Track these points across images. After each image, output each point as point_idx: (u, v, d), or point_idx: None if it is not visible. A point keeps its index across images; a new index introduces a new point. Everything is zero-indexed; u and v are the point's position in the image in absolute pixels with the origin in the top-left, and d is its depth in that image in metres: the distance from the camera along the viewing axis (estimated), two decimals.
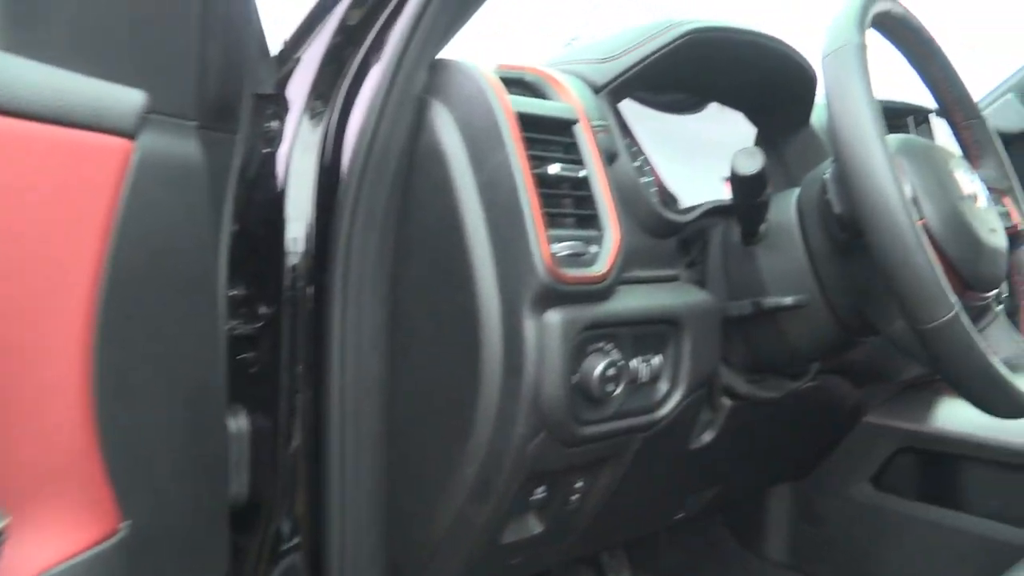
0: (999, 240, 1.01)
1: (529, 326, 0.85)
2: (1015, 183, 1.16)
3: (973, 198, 0.99)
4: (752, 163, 0.94)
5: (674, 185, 1.12)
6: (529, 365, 0.85)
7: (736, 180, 0.96)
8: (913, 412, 1.41)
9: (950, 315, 0.84)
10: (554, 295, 0.86)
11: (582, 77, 1.03)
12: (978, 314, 1.02)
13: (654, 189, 1.09)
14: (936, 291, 0.84)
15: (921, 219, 0.93)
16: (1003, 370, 0.90)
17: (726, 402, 1.09)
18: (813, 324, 1.02)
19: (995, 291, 1.02)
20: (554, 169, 0.90)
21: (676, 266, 1.05)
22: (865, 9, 0.96)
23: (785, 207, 1.04)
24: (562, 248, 0.87)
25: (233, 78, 0.82)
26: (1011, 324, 1.07)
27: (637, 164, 1.07)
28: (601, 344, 0.90)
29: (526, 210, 0.85)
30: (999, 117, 1.85)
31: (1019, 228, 1.14)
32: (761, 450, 1.29)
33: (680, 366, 0.98)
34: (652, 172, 1.10)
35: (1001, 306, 1.24)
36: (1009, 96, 1.86)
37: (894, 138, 1.00)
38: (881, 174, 0.84)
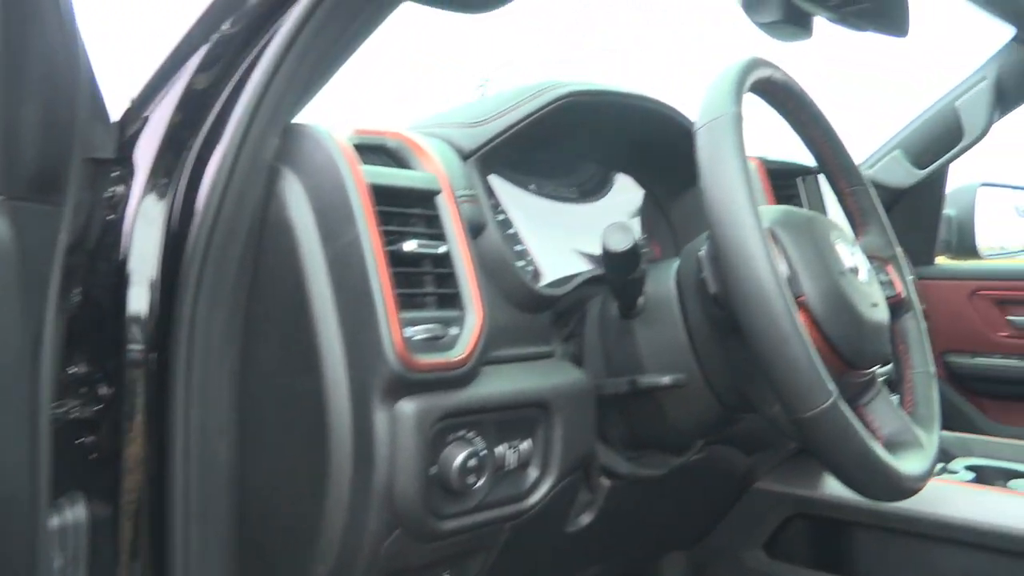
0: (881, 314, 0.98)
1: (380, 417, 0.79)
2: (898, 250, 1.14)
3: (854, 271, 0.96)
4: (623, 239, 0.90)
5: (551, 258, 1.07)
6: (380, 458, 0.79)
7: (608, 256, 0.91)
8: (804, 478, 1.39)
9: (827, 403, 0.81)
10: (407, 383, 0.80)
11: (449, 142, 0.98)
12: (861, 390, 0.99)
13: (529, 258, 1.04)
14: (812, 380, 0.80)
15: (800, 296, 0.90)
16: (881, 453, 0.87)
17: (605, 482, 1.04)
18: (693, 403, 0.98)
19: (877, 366, 0.99)
20: (410, 246, 0.85)
21: (551, 342, 1.00)
22: (742, 78, 0.92)
23: (664, 279, 0.99)
24: (417, 331, 0.82)
25: (57, 143, 0.74)
26: (893, 398, 1.04)
27: (511, 232, 1.02)
28: (462, 432, 0.84)
29: (376, 292, 0.80)
30: (886, 173, 1.87)
31: (902, 296, 1.12)
32: (647, 525, 1.25)
33: (551, 450, 0.93)
34: (524, 242, 1.05)
35: (885, 373, 1.22)
36: (896, 153, 1.87)
37: (773, 210, 0.97)
38: (755, 258, 0.81)
